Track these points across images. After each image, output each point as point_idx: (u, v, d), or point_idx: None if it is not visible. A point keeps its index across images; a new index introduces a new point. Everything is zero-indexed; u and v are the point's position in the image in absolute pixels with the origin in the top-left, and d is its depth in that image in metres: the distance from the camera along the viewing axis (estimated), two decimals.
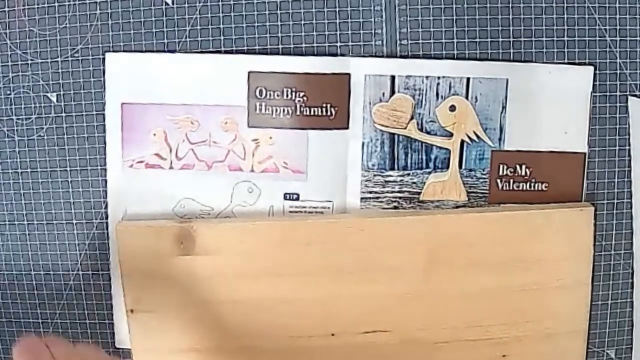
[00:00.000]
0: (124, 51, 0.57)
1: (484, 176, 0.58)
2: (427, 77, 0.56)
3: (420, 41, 0.56)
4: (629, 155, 0.58)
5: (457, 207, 0.58)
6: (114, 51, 0.57)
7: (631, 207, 0.58)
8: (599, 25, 0.56)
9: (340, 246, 0.56)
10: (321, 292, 0.56)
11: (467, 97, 0.57)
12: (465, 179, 0.58)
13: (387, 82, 0.57)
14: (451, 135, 0.57)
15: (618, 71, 0.57)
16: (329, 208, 0.58)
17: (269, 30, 0.57)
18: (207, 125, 0.57)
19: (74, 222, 0.59)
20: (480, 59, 0.56)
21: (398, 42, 0.56)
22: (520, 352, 0.58)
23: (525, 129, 0.57)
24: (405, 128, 0.57)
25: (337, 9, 0.56)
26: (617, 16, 0.56)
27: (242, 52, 0.57)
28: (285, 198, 0.58)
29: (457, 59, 0.56)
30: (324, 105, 0.57)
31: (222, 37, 0.57)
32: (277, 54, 0.57)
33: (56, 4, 0.57)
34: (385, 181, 0.58)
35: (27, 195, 0.59)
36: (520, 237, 0.56)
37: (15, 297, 0.60)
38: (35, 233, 0.59)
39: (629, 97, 0.57)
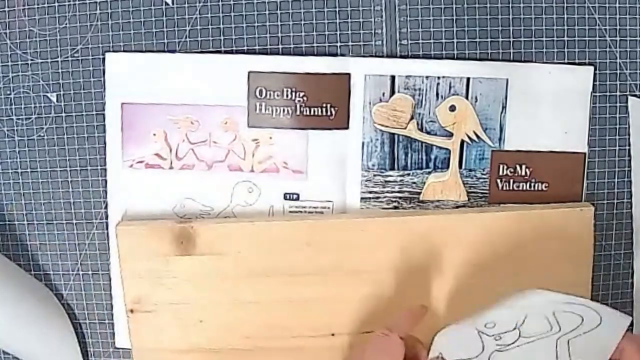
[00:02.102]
0: (124, 51, 0.57)
1: (484, 176, 0.58)
2: (427, 77, 0.56)
3: (420, 41, 0.56)
4: (629, 155, 0.58)
5: (457, 207, 0.58)
6: (114, 51, 0.57)
7: (631, 207, 0.58)
8: (599, 25, 0.56)
9: (340, 246, 0.56)
10: (321, 292, 0.56)
11: (467, 97, 0.57)
12: (465, 179, 0.58)
13: (387, 82, 0.57)
14: (451, 135, 0.57)
15: (618, 71, 0.57)
16: (329, 208, 0.58)
17: (269, 30, 0.57)
18: (207, 125, 0.57)
19: (74, 222, 0.59)
20: (480, 59, 0.56)
21: (398, 42, 0.56)
22: None
23: (525, 129, 0.57)
24: (405, 128, 0.57)
25: (337, 9, 0.56)
26: (617, 16, 0.56)
27: (242, 52, 0.57)
28: (285, 198, 0.58)
29: (457, 59, 0.56)
30: (324, 105, 0.57)
31: (222, 37, 0.57)
32: (277, 54, 0.57)
33: (56, 4, 0.57)
34: (385, 181, 0.58)
35: (27, 195, 0.59)
36: (520, 237, 0.56)
37: None
38: (35, 233, 0.59)
39: (629, 97, 0.57)
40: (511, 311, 0.51)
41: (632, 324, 0.59)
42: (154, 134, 0.57)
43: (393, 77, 0.56)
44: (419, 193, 0.58)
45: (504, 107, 0.57)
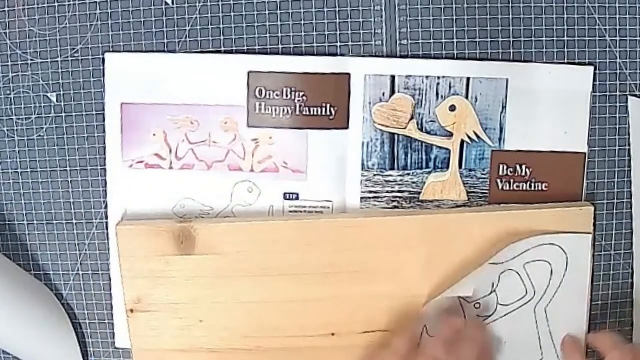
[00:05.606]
0: (124, 51, 0.57)
1: (484, 176, 0.58)
2: (427, 77, 0.56)
3: (420, 41, 0.56)
4: (629, 155, 0.58)
5: (457, 207, 0.58)
6: (114, 51, 0.57)
7: (631, 207, 0.58)
8: (599, 25, 0.56)
9: (340, 246, 0.56)
10: (321, 292, 0.56)
11: (467, 97, 0.57)
12: (465, 179, 0.58)
13: (387, 82, 0.57)
14: (451, 135, 0.57)
15: (618, 71, 0.57)
16: (329, 208, 0.58)
17: (269, 30, 0.57)
18: (207, 125, 0.57)
19: (74, 222, 0.59)
20: (480, 59, 0.56)
21: (398, 42, 0.56)
22: None
23: (525, 129, 0.57)
24: (405, 128, 0.57)
25: (337, 9, 0.56)
26: (617, 16, 0.56)
27: (242, 52, 0.57)
28: (285, 198, 0.58)
29: (457, 59, 0.56)
30: (324, 105, 0.57)
31: (222, 37, 0.57)
32: (277, 54, 0.57)
33: (56, 4, 0.57)
34: (385, 181, 0.58)
35: (27, 195, 0.59)
36: (520, 237, 0.56)
37: None
38: (35, 233, 0.59)
39: (629, 97, 0.57)
40: (486, 271, 0.54)
41: (632, 327, 0.59)
42: (154, 134, 0.57)
43: (393, 77, 0.56)
44: (419, 193, 0.58)
45: (504, 107, 0.57)
